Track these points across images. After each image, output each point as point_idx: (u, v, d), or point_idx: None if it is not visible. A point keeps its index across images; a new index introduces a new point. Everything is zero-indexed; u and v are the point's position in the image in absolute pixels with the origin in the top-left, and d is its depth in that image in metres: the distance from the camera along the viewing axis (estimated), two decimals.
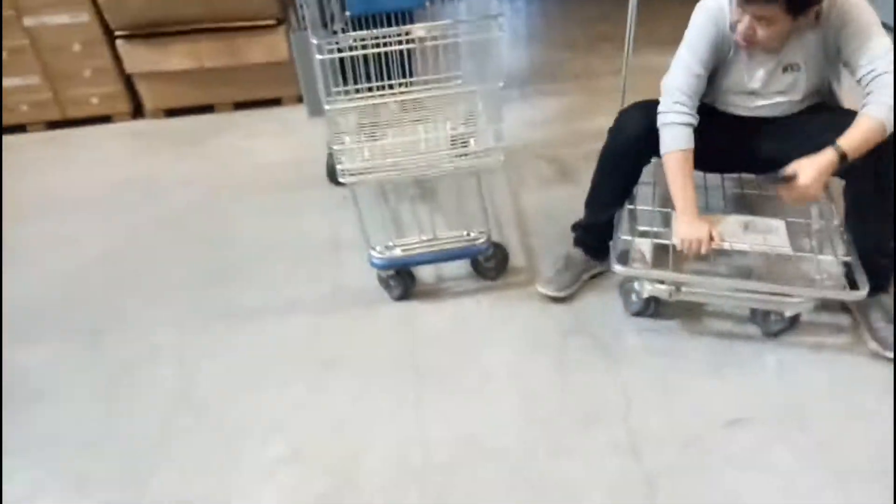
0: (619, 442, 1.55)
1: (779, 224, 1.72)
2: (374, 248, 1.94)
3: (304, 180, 2.60)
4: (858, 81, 1.55)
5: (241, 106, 3.15)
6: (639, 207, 1.88)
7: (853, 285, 1.60)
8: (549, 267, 2.00)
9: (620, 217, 1.86)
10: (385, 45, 1.73)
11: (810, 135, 1.59)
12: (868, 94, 1.52)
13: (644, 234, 1.81)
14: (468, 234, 1.97)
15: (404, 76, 2.19)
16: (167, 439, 1.64)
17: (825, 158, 1.51)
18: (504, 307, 1.96)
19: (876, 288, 1.64)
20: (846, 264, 1.64)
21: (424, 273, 2.09)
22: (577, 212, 2.02)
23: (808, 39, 1.60)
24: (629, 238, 1.79)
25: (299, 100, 3.10)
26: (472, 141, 1.93)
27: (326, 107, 1.70)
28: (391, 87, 2.14)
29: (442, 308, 1.97)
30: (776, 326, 1.76)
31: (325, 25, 2.20)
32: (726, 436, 1.54)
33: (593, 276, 2.01)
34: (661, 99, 1.69)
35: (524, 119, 2.92)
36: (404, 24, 2.19)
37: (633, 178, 1.85)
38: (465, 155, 1.86)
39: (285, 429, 1.65)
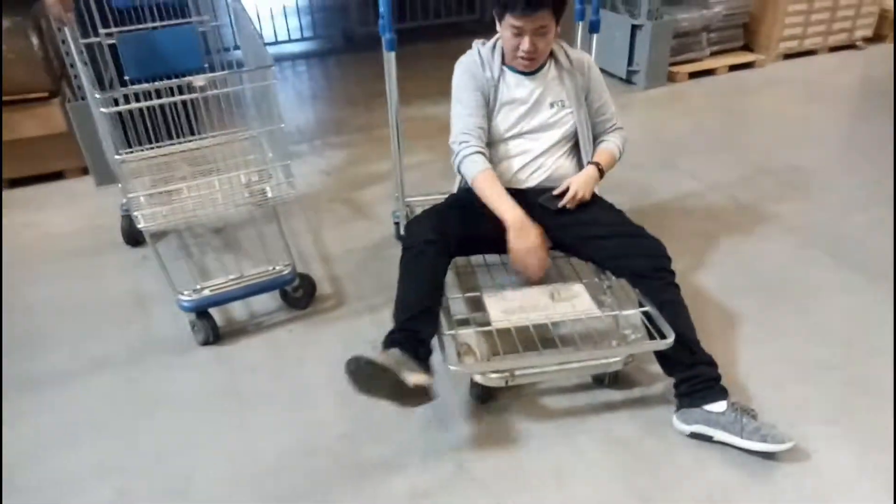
0: (429, 420, 1.77)
1: (580, 288, 1.80)
2: (181, 293, 2.00)
3: (98, 246, 2.57)
4: (595, 125, 1.98)
5: (18, 183, 3.02)
6: (450, 297, 1.86)
7: (660, 334, 1.65)
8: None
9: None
10: (168, 95, 1.81)
11: (583, 220, 1.84)
12: (606, 133, 1.99)
13: (463, 324, 1.82)
14: (273, 268, 2.10)
15: (190, 130, 2.31)
16: None
17: (590, 171, 1.89)
18: (316, 331, 2.12)
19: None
20: (647, 315, 1.71)
21: (236, 311, 2.19)
22: (374, 241, 2.28)
23: (567, 82, 1.89)
24: (452, 332, 1.72)
25: (84, 171, 3.04)
26: (267, 188, 2.08)
27: (117, 157, 1.78)
28: (179, 142, 2.25)
29: (256, 341, 2.08)
30: (604, 383, 1.86)
31: (103, 89, 2.24)
32: None
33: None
34: (452, 148, 1.87)
35: (316, 168, 3.16)
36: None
37: (437, 279, 1.75)
38: (265, 194, 2.02)
39: (107, 475, 1.65)
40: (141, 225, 1.89)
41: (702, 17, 4.06)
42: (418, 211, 2.30)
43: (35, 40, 2.79)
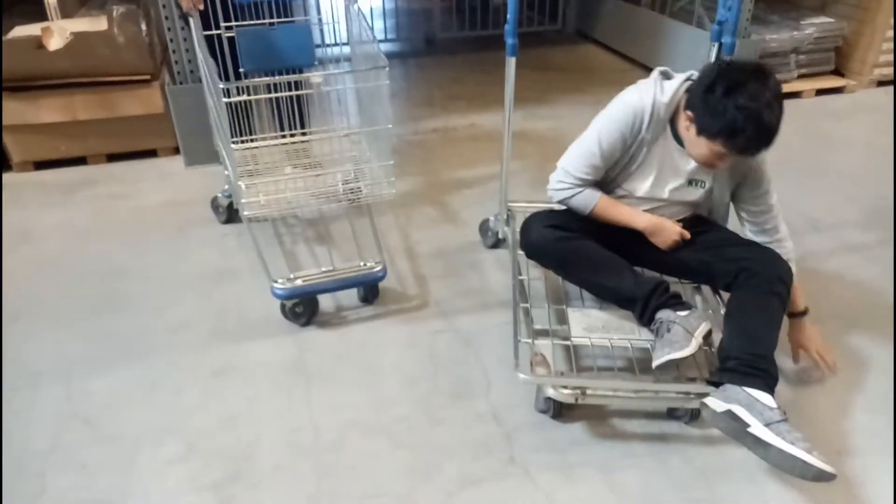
0: (482, 412, 1.81)
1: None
2: (275, 281, 2.04)
3: (184, 222, 2.72)
4: (749, 216, 1.83)
5: (114, 158, 3.23)
6: (533, 307, 1.90)
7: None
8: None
9: (517, 313, 1.85)
10: (285, 89, 1.94)
11: (711, 246, 1.81)
12: (769, 240, 1.81)
13: (542, 334, 1.82)
14: (365, 264, 2.14)
15: (300, 125, 2.40)
16: (58, 451, 1.69)
17: (804, 325, 1.82)
18: (395, 326, 2.14)
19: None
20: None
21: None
22: (459, 245, 2.45)
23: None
24: (529, 341, 1.75)
25: (175, 151, 3.23)
26: (363, 186, 2.18)
27: (232, 145, 1.85)
28: (283, 135, 2.34)
29: (332, 328, 2.14)
30: (684, 417, 1.76)
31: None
32: None
33: None
34: (554, 176, 1.82)
35: (404, 168, 3.21)
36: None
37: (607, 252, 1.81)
38: (364, 190, 2.08)
39: (178, 431, 1.76)
40: (244, 213, 1.99)
41: (791, 39, 3.95)
42: (520, 218, 2.19)
43: (144, 27, 2.98)
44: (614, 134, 1.72)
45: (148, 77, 3.05)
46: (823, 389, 1.88)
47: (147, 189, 3.00)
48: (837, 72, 4.21)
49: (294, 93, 1.95)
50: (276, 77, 1.83)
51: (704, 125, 1.58)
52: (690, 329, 1.66)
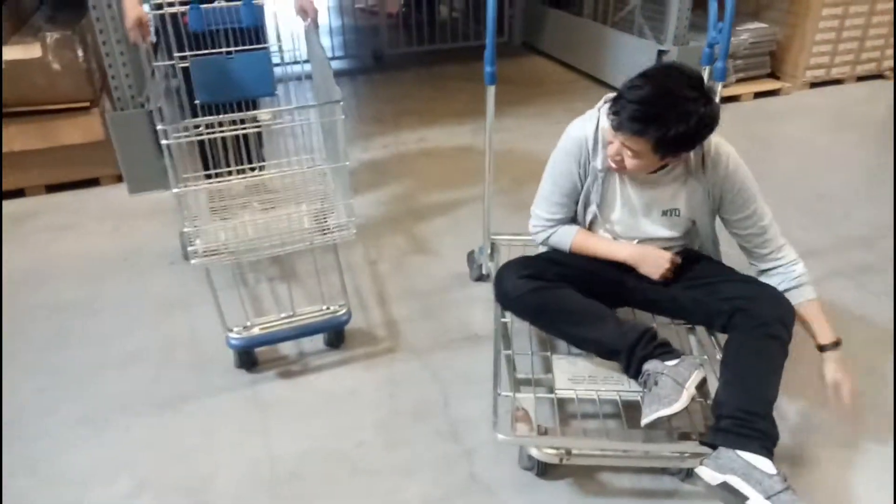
0: (441, 430, 1.79)
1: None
2: (231, 330, 1.92)
3: (129, 251, 2.64)
4: (746, 241, 1.68)
5: (55, 189, 3.12)
6: (516, 354, 1.80)
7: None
8: None
9: (498, 362, 1.71)
10: (232, 128, 1.82)
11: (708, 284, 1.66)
12: (775, 261, 1.67)
13: (525, 384, 1.72)
14: (328, 308, 2.00)
15: (255, 159, 2.31)
16: (5, 500, 1.61)
17: (836, 360, 1.60)
18: (360, 374, 2.01)
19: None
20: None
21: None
22: (434, 281, 2.32)
23: (690, 187, 1.63)
24: (510, 394, 1.63)
25: (119, 179, 3.14)
26: (330, 223, 1.98)
27: (175, 190, 1.72)
28: (241, 171, 2.21)
29: (291, 366, 2.04)
30: (679, 474, 1.63)
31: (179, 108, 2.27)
32: None
33: None
34: (530, 221, 1.81)
35: (374, 197, 3.14)
36: (251, 109, 2.29)
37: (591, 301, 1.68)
38: (326, 231, 1.91)
39: (129, 467, 1.70)
40: (192, 261, 1.80)
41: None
42: (503, 251, 2.24)
43: (80, 53, 2.90)
44: (565, 167, 1.69)
45: (87, 104, 2.96)
46: (829, 441, 1.74)
47: (91, 219, 2.90)
48: (773, 75, 4.37)
49: (241, 130, 1.83)
50: (221, 116, 1.71)
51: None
52: (681, 380, 1.51)
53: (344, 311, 2.00)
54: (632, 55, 4.08)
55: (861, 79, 4.48)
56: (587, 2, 4.67)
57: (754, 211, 1.64)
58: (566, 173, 1.69)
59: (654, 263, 1.67)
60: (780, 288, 1.64)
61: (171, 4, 2.11)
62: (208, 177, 2.24)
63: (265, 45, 2.31)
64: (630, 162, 1.52)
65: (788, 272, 1.66)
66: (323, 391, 1.95)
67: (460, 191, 3.06)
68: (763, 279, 1.68)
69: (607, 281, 1.73)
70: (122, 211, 2.97)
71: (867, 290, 2.34)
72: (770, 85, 4.27)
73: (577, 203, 1.74)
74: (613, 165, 1.57)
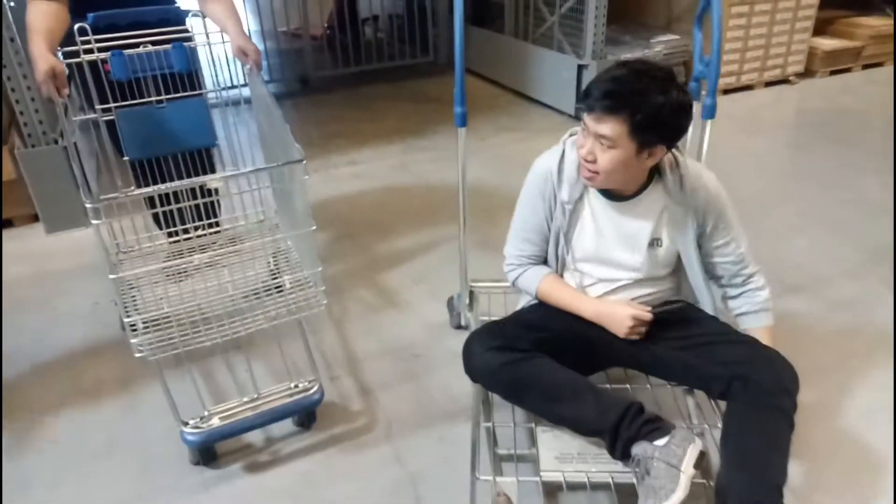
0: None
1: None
2: (186, 423, 1.66)
3: (49, 295, 2.51)
4: (718, 268, 1.61)
5: None
6: (498, 425, 1.62)
7: None
8: None
9: (477, 439, 1.53)
10: (177, 198, 1.63)
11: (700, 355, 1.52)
12: (742, 286, 1.62)
13: (507, 460, 1.57)
14: (296, 385, 1.77)
15: (206, 216, 2.06)
16: None
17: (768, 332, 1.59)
18: (343, 464, 1.74)
19: None
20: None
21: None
22: (409, 338, 2.12)
23: (672, 214, 1.53)
24: (489, 479, 1.45)
25: (34, 218, 2.99)
26: (286, 279, 1.81)
27: (111, 276, 1.48)
28: (186, 231, 1.98)
29: (260, 471, 1.74)
30: None
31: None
32: None
33: None
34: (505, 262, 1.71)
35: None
36: (190, 161, 2.08)
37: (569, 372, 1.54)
38: (279, 290, 1.72)
39: None
40: (136, 355, 1.54)
41: (643, 56, 4.25)
42: (483, 300, 2.08)
43: None
44: (531, 203, 1.60)
45: None
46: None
47: (6, 263, 2.75)
48: (687, 84, 4.56)
49: (188, 203, 1.65)
50: (162, 187, 1.49)
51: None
52: (675, 462, 1.33)
53: (315, 387, 1.77)
54: (553, 70, 4.18)
55: (769, 84, 4.73)
56: (508, 19, 4.77)
57: (733, 238, 1.58)
58: (533, 209, 1.61)
59: (618, 320, 1.53)
60: (740, 310, 1.63)
61: (89, 52, 1.86)
62: (169, 235, 2.01)
63: (200, 92, 2.07)
64: (605, 157, 1.39)
65: (753, 297, 1.62)
66: (292, 486, 1.68)
67: (407, 220, 3.00)
68: (728, 302, 1.65)
69: (589, 339, 1.59)
70: (40, 251, 2.82)
71: (785, 285, 2.44)
72: None
73: (547, 241, 1.64)
74: (587, 174, 1.46)
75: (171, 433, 1.73)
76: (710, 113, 1.82)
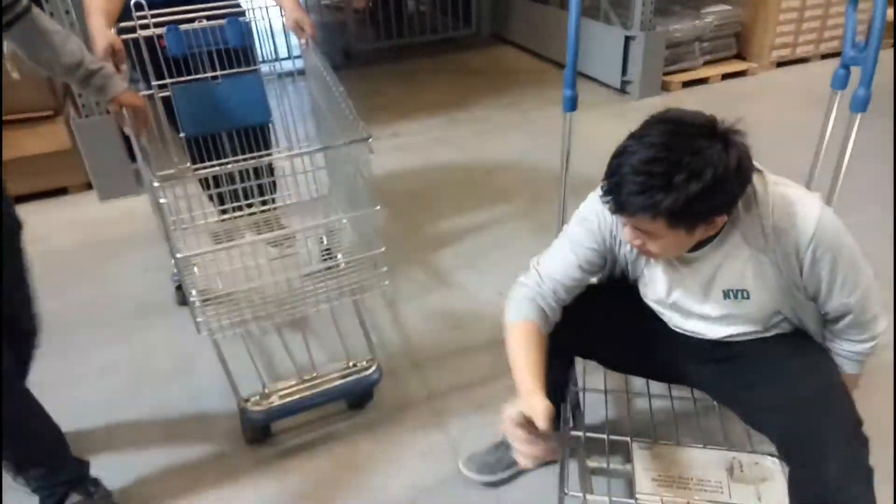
0: None
1: (773, 464, 1.34)
2: (247, 401, 1.65)
3: (101, 259, 2.60)
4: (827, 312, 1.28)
5: (21, 200, 3.05)
6: (588, 432, 1.47)
7: None
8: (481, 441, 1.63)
9: (564, 459, 1.39)
10: (235, 177, 1.67)
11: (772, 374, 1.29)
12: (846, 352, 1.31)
13: (599, 473, 1.44)
14: (354, 365, 1.75)
15: (264, 194, 2.08)
16: None
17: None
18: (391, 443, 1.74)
19: None
20: None
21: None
22: (459, 317, 2.08)
23: (755, 262, 1.22)
24: (579, 496, 1.34)
25: (88, 186, 3.09)
26: (339, 255, 1.83)
27: (179, 255, 1.46)
28: (249, 205, 2.00)
29: (313, 450, 1.76)
30: None
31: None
32: None
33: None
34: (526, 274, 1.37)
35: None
36: (245, 139, 2.07)
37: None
38: (336, 266, 1.69)
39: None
40: (201, 332, 1.53)
41: (694, 28, 4.12)
42: None
43: None
44: (581, 236, 1.32)
45: (51, 112, 2.91)
46: None
47: (61, 229, 2.85)
48: (740, 56, 4.42)
49: (242, 184, 1.69)
50: (227, 166, 1.49)
51: None
52: None
53: (373, 367, 1.75)
54: (599, 41, 4.09)
55: (825, 56, 4.55)
56: None
57: (852, 290, 1.22)
58: (583, 237, 1.33)
59: (524, 438, 1.13)
60: (835, 351, 1.33)
61: (145, 27, 1.85)
62: (223, 212, 2.07)
63: (256, 67, 2.06)
64: (654, 246, 1.17)
65: (853, 346, 1.31)
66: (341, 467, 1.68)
67: (449, 194, 3.01)
68: (826, 333, 1.34)
69: (656, 353, 1.43)
70: (93, 219, 2.92)
71: None
72: (737, 66, 4.32)
73: (582, 285, 1.36)
74: (636, 250, 1.25)
75: (223, 408, 1.78)
76: (861, 105, 1.55)
